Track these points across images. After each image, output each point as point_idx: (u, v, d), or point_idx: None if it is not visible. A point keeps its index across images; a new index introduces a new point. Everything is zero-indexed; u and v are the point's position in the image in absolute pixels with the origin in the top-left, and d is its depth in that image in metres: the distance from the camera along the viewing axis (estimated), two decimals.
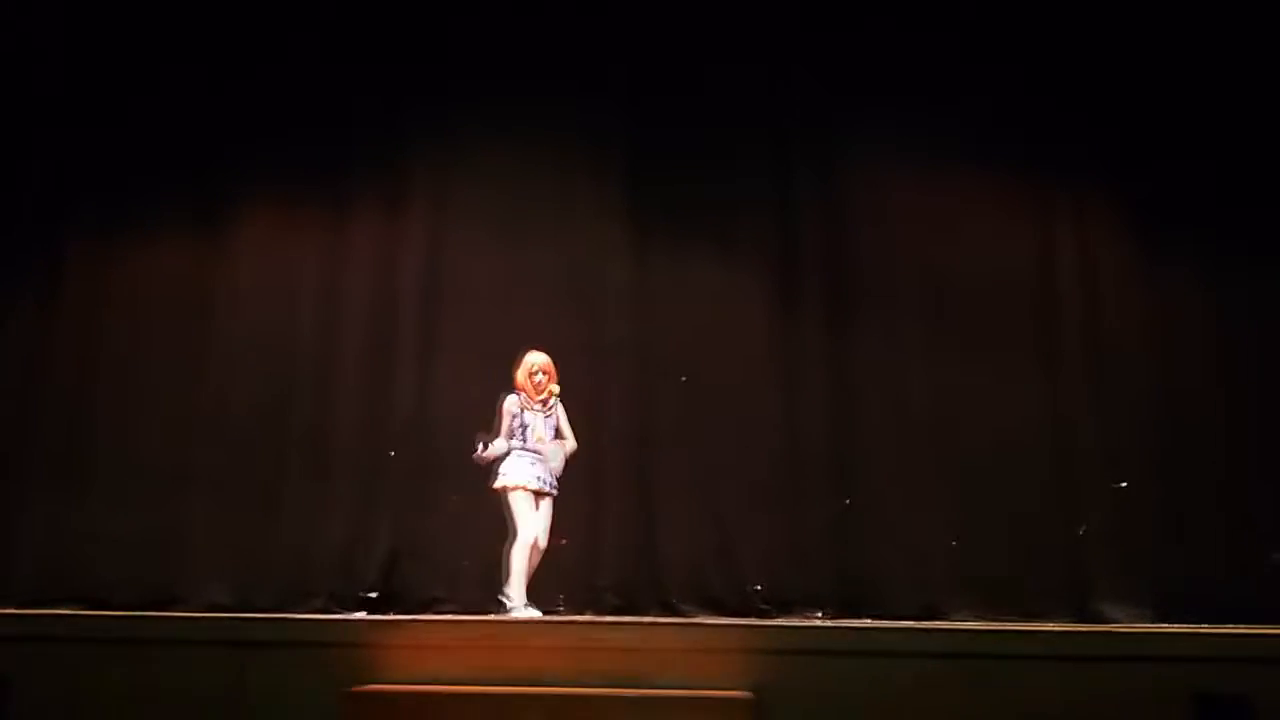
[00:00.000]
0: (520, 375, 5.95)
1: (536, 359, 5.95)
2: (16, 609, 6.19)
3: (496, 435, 5.85)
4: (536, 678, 4.68)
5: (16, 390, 7.17)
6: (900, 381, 6.87)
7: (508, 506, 5.82)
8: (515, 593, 5.68)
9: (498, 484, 5.85)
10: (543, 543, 5.79)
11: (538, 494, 5.81)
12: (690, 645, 4.88)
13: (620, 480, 6.79)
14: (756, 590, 6.57)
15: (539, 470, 5.83)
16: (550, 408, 5.93)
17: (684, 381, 6.85)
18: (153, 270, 7.32)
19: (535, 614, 5.65)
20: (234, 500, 6.85)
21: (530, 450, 5.85)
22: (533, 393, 5.90)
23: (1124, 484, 6.58)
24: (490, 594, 6.53)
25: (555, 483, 5.87)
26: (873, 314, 6.96)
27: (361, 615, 6.32)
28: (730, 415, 6.86)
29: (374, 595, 6.58)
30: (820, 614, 6.41)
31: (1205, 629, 5.51)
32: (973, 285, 6.94)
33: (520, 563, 5.70)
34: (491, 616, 5.71)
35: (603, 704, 4.52)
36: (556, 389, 5.96)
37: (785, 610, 6.48)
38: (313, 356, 7.12)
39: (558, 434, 5.95)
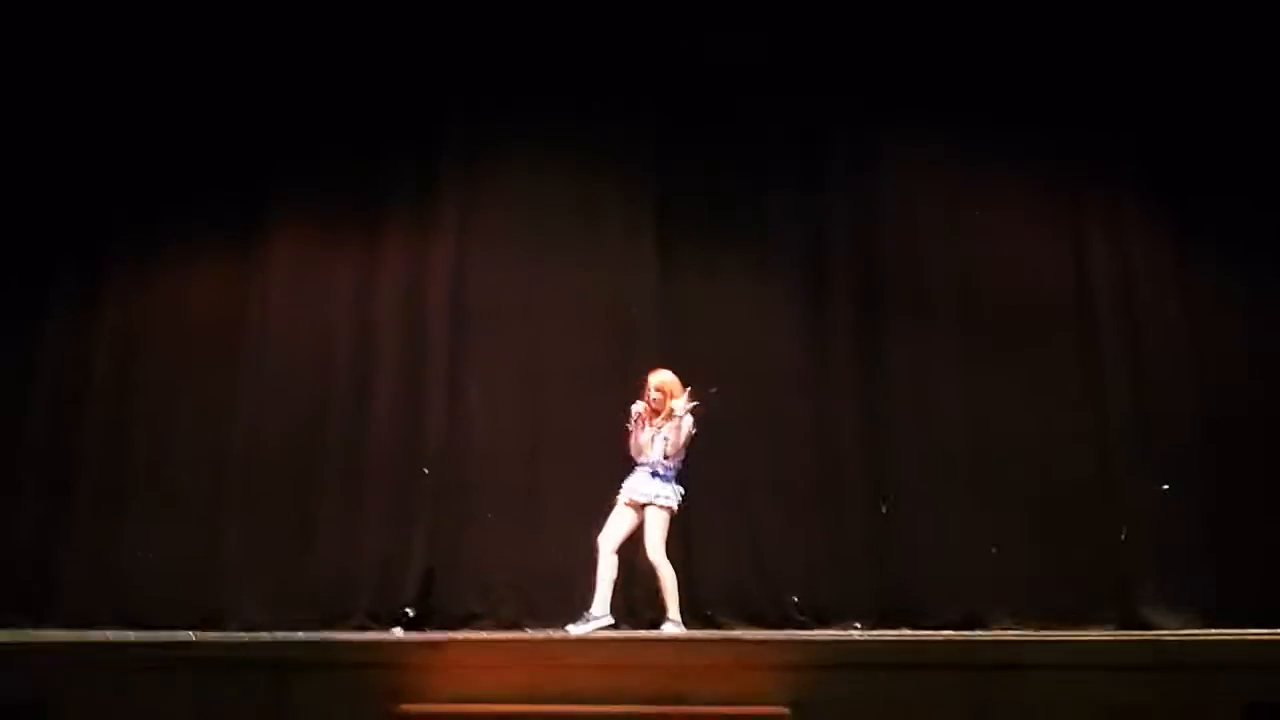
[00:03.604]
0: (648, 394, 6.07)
1: (652, 377, 6.06)
2: (58, 631, 6.27)
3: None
4: (575, 695, 4.66)
5: (56, 415, 7.26)
6: (935, 388, 6.83)
7: None
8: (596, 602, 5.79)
9: None
10: (651, 555, 5.82)
11: (639, 506, 5.88)
12: (726, 660, 4.84)
13: None
14: (794, 602, 6.53)
15: (632, 481, 5.92)
16: (658, 424, 5.97)
17: (714, 393, 6.81)
18: (188, 294, 7.42)
19: (583, 630, 5.66)
20: (271, 520, 6.92)
21: (640, 464, 5.96)
22: (648, 409, 6.00)
23: (1166, 486, 6.48)
24: (524, 607, 6.57)
25: (657, 494, 5.86)
26: (906, 322, 6.92)
27: (398, 633, 6.34)
28: (764, 427, 6.84)
29: (411, 613, 6.61)
30: (859, 625, 6.36)
31: (1255, 634, 5.38)
32: (1007, 290, 6.90)
33: (600, 570, 5.82)
34: (526, 634, 5.69)
35: None
36: (642, 406, 5.98)
37: (823, 622, 6.44)
38: (347, 377, 7.17)
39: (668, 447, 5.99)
